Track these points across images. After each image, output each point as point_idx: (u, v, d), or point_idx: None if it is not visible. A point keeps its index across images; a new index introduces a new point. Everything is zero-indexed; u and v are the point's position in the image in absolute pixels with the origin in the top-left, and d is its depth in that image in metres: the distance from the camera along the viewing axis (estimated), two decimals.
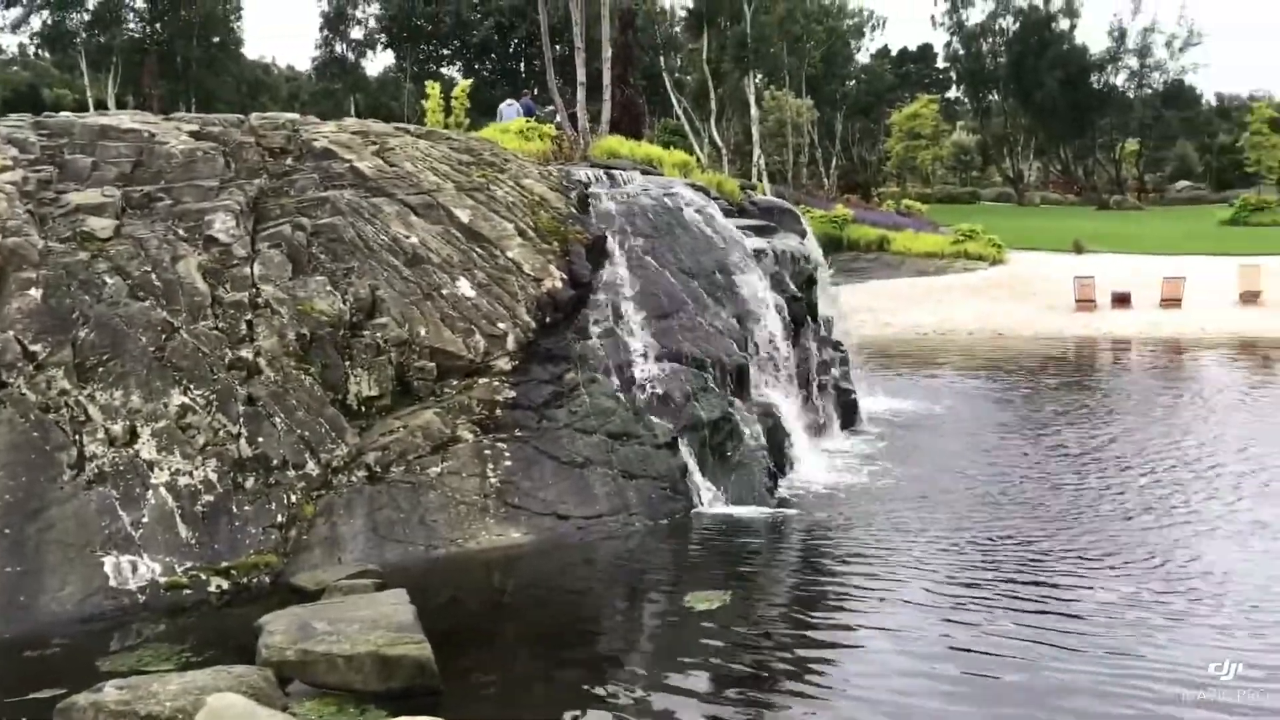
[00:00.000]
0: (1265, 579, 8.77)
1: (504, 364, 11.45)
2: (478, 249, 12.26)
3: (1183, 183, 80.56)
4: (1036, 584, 8.85)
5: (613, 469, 10.86)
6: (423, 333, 11.14)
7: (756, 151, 50.80)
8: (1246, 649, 7.34)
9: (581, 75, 19.70)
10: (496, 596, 9.28)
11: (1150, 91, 73.38)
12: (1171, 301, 28.26)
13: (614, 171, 15.34)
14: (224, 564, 8.91)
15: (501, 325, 11.64)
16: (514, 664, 7.78)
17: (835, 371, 16.22)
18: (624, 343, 12.24)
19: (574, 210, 13.60)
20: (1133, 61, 71.73)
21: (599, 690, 7.03)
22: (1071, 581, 8.87)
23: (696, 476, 11.35)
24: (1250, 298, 28.21)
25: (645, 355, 12.19)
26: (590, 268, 12.81)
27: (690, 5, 56.66)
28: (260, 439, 9.65)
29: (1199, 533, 10.18)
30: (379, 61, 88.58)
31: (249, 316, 10.38)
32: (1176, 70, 72.26)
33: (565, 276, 12.47)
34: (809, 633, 8.15)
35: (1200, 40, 70.28)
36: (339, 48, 72.19)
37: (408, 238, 11.85)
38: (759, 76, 57.33)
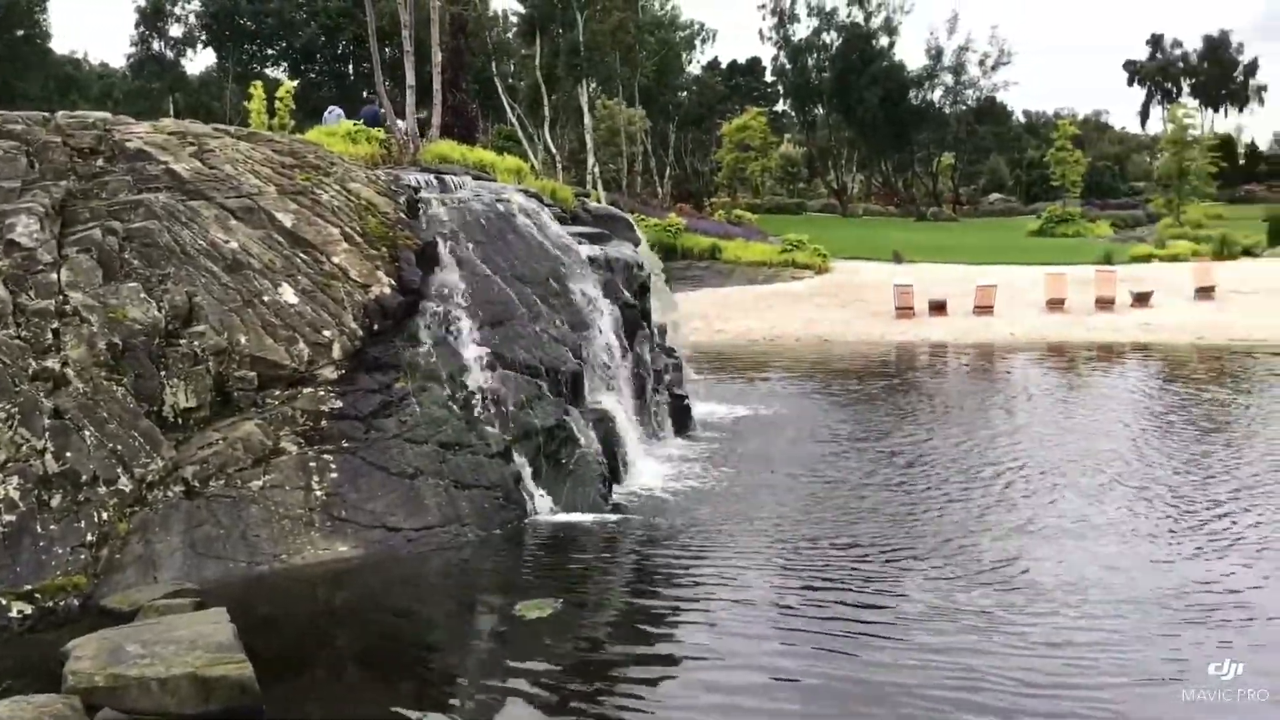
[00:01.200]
0: (1078, 575, 9.24)
1: (330, 373, 11.14)
2: (302, 254, 11.90)
3: (995, 195, 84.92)
4: (863, 585, 9.13)
5: (444, 479, 10.70)
6: (243, 341, 10.74)
7: (591, 159, 51.04)
8: (1071, 644, 7.75)
9: (411, 79, 19.32)
10: (323, 612, 9.00)
11: (964, 108, 76.94)
12: (984, 308, 29.64)
13: (445, 177, 15.12)
14: (26, 587, 8.37)
15: (327, 333, 11.32)
16: (341, 681, 7.58)
17: (669, 377, 16.41)
18: (456, 350, 12.08)
19: (403, 215, 13.34)
20: (948, 79, 75.18)
21: (427, 704, 6.92)
22: (897, 583, 9.18)
23: (530, 485, 11.30)
24: (1055, 304, 29.85)
25: (478, 363, 12.05)
26: (420, 274, 12.59)
27: (523, 11, 56.53)
28: (68, 454, 9.12)
29: (1017, 531, 10.68)
30: (200, 60, 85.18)
31: (55, 325, 9.81)
32: (989, 88, 76.06)
33: (394, 283, 12.22)
34: (640, 638, 8.20)
35: (1010, 60, 74.34)
36: (157, 45, 69.20)
37: (227, 242, 11.41)
38: (593, 85, 57.65)
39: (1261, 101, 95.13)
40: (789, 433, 16.05)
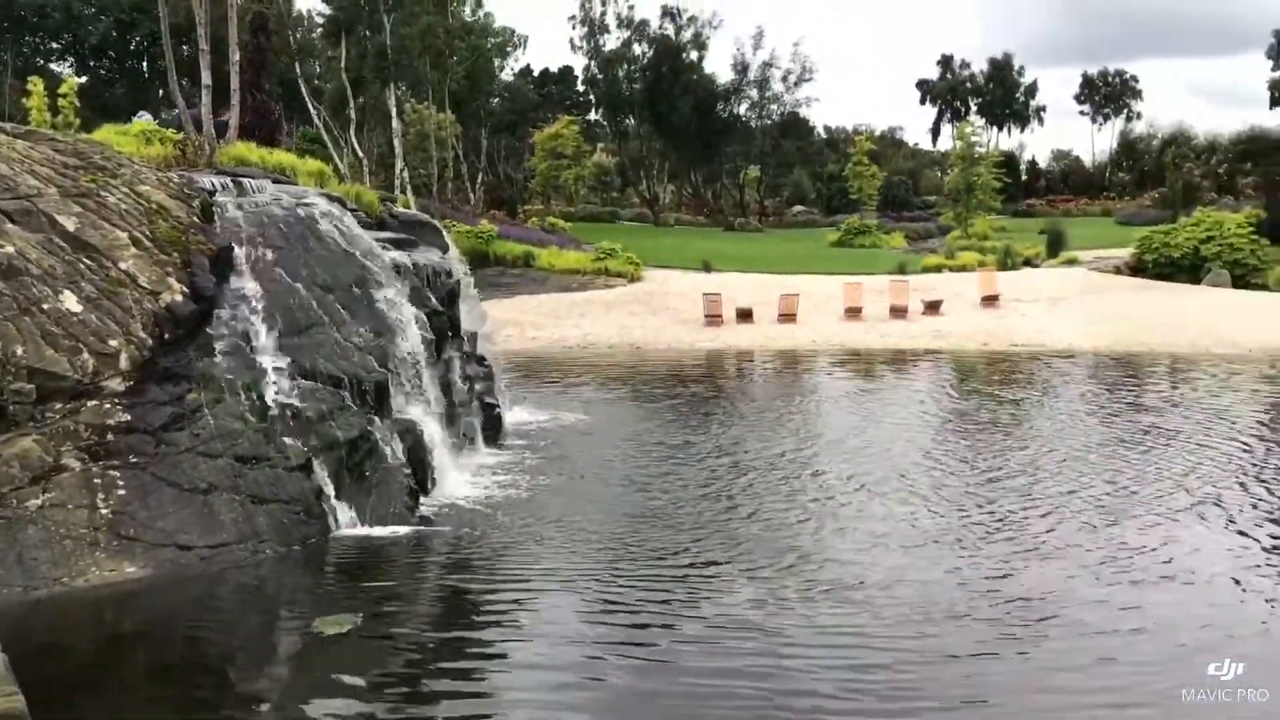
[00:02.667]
0: (883, 575, 9.64)
1: (117, 385, 10.57)
2: (86, 260, 11.25)
3: (798, 207, 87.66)
4: (672, 588, 9.28)
5: (240, 494, 10.31)
6: (19, 351, 10.06)
7: (399, 164, 50.10)
8: (887, 636, 8.08)
9: (207, 78, 18.55)
10: (107, 637, 8.52)
11: (770, 122, 79.33)
12: (788, 316, 30.63)
13: (243, 180, 14.57)
14: None
15: (113, 342, 10.73)
16: (126, 708, 7.19)
17: (480, 386, 16.28)
18: (252, 360, 11.66)
19: (197, 219, 12.79)
20: (754, 93, 77.31)
21: None
22: (707, 585, 9.36)
23: (333, 498, 10.99)
24: (853, 312, 31.14)
25: (276, 373, 11.66)
26: (215, 280, 12.10)
27: (328, 12, 55.04)
28: None
29: (823, 530, 11.08)
30: None
31: None
32: (792, 103, 78.67)
33: (187, 290, 11.69)
34: (444, 650, 8.11)
35: (812, 76, 77.15)
36: None
37: (2, 247, 10.67)
38: (401, 88, 56.65)
39: (1041, 121, 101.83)
40: (601, 440, 16.18)
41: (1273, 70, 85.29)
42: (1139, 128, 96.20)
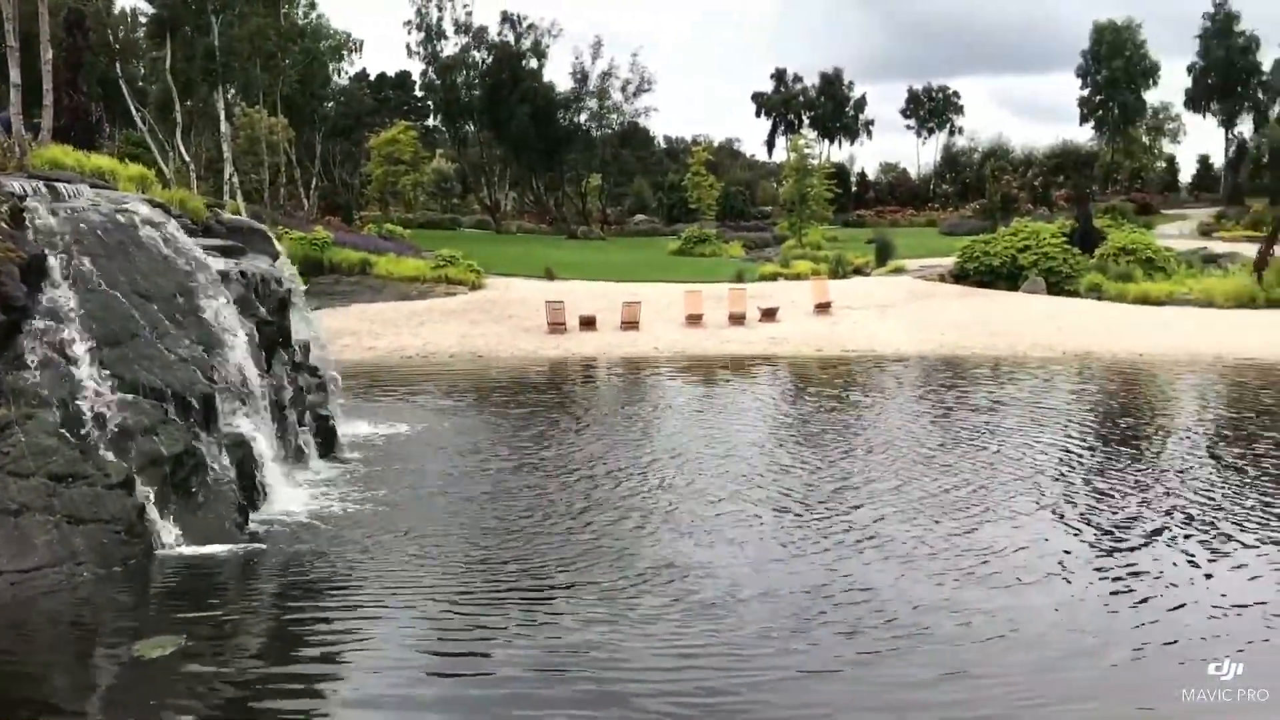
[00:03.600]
0: (729, 577, 9.82)
1: None
2: None
3: (640, 216, 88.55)
4: (513, 608, 9.20)
5: (55, 515, 9.75)
6: None
7: (229, 169, 48.44)
8: (732, 653, 8.18)
9: (16, 76, 17.46)
10: None
11: (610, 131, 79.92)
12: (630, 324, 30.88)
13: (57, 184, 13.81)
14: None
15: None
16: None
17: (313, 398, 15.85)
18: (68, 373, 11.05)
19: (6, 225, 12.04)
20: (593, 102, 77.71)
21: None
22: (549, 603, 9.30)
23: (156, 517, 10.51)
24: (694, 320, 31.62)
25: (94, 387, 11.08)
26: (26, 290, 11.41)
27: (151, 10, 52.78)
28: None
29: (670, 540, 11.16)
30: None
31: None
32: (632, 113, 79.44)
33: None
34: (271, 669, 7.85)
35: (651, 87, 78.00)
36: None
37: None
38: (231, 91, 54.81)
39: (870, 134, 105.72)
40: (440, 451, 15.95)
41: (1081, 89, 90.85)
42: (961, 142, 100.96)
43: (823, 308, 33.39)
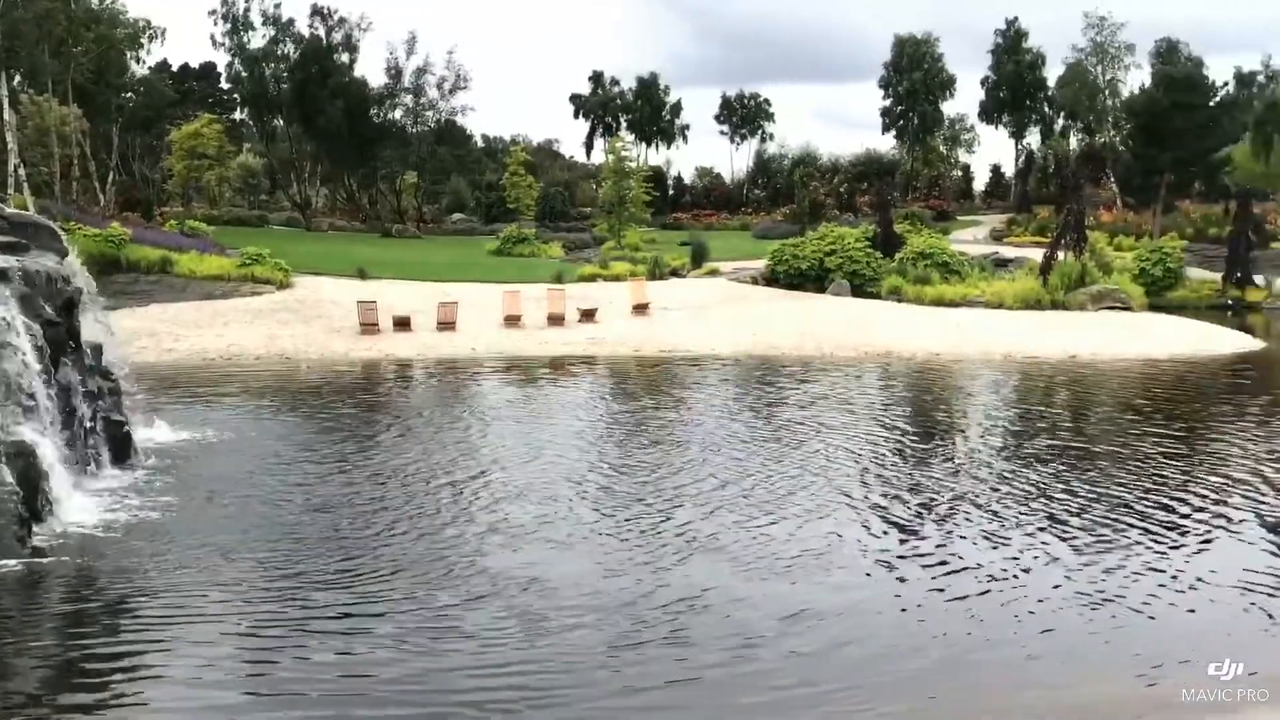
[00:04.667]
0: (545, 579, 9.80)
1: None
2: None
3: (457, 215, 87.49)
4: (316, 614, 8.94)
5: None
6: None
7: (13, 161, 45.39)
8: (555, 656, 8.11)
9: None
10: None
11: (426, 128, 78.69)
12: (447, 324, 30.46)
13: None
14: None
15: None
16: None
17: (106, 402, 14.99)
18: None
19: None
20: (409, 99, 76.44)
21: None
22: (355, 616, 9.07)
23: None
24: (513, 320, 31.46)
25: None
26: None
27: None
28: None
29: (491, 542, 11.07)
30: None
31: None
32: (448, 110, 78.48)
33: None
34: (56, 688, 7.42)
35: (467, 85, 77.26)
36: None
37: None
38: (16, 77, 51.38)
39: (686, 139, 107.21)
40: (243, 457, 15.33)
41: (884, 99, 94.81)
42: (772, 148, 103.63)
43: (641, 309, 33.78)
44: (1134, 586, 9.71)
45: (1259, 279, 42.96)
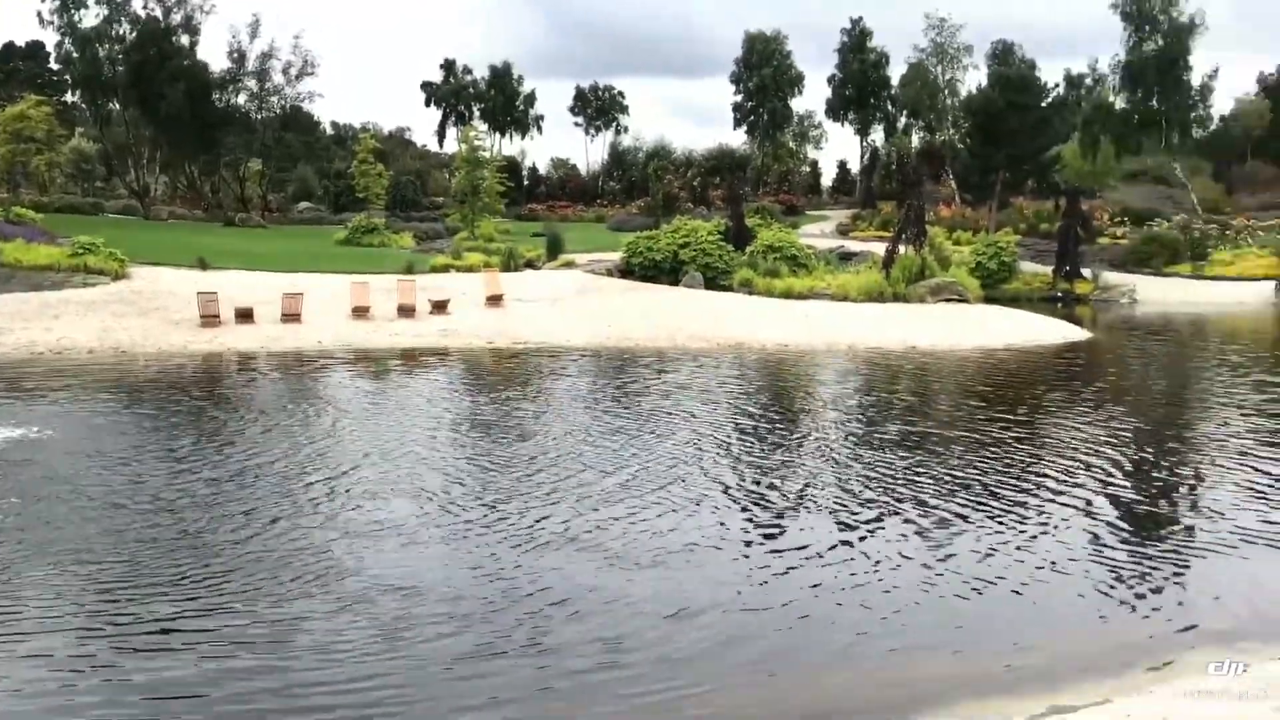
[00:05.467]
0: (392, 579, 9.69)
1: None
2: None
3: (305, 204, 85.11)
4: (136, 618, 8.64)
5: None
6: None
7: None
8: (397, 652, 7.96)
9: None
10: None
11: (271, 115, 76.36)
12: (292, 316, 29.66)
13: None
14: None
15: None
16: None
17: None
18: None
19: None
20: (253, 84, 74.05)
21: None
22: (188, 608, 8.81)
23: None
24: (361, 312, 30.83)
25: None
26: None
27: None
28: None
29: (336, 540, 10.87)
30: None
31: None
32: (294, 96, 76.35)
33: None
34: None
35: (315, 70, 75.33)
36: None
37: None
38: None
39: (540, 129, 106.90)
40: (70, 456, 14.63)
41: (735, 94, 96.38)
42: (627, 141, 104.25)
43: (494, 300, 33.54)
44: (979, 567, 10.17)
45: (1086, 272, 45.36)
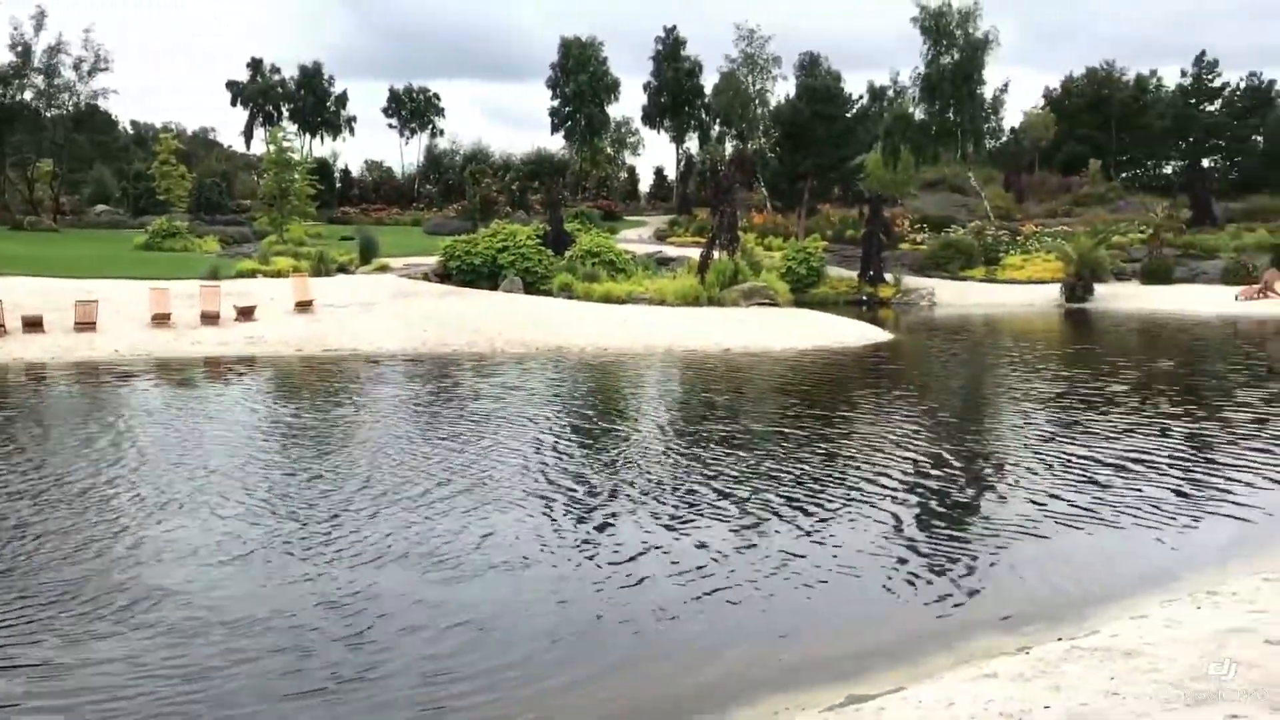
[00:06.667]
0: (211, 602, 9.27)
1: None
2: None
3: (101, 206, 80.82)
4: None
5: None
6: None
7: None
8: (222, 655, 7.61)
9: None
10: None
11: (63, 112, 72.15)
12: (86, 325, 28.08)
13: None
14: None
15: None
16: None
17: None
18: None
19: None
20: (40, 80, 69.81)
21: None
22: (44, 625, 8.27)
23: None
24: (161, 320, 29.41)
25: None
26: None
27: None
28: None
29: (141, 556, 10.42)
30: None
31: None
32: (88, 94, 72.32)
33: None
34: None
35: (109, 66, 71.48)
36: None
37: None
38: None
39: (353, 131, 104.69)
40: None
41: (553, 99, 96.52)
42: (443, 144, 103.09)
43: (304, 305, 32.54)
44: (786, 562, 10.49)
45: (889, 276, 47.44)
